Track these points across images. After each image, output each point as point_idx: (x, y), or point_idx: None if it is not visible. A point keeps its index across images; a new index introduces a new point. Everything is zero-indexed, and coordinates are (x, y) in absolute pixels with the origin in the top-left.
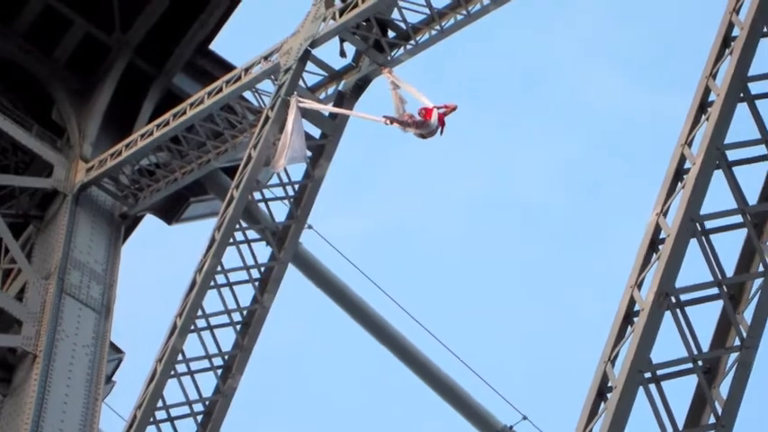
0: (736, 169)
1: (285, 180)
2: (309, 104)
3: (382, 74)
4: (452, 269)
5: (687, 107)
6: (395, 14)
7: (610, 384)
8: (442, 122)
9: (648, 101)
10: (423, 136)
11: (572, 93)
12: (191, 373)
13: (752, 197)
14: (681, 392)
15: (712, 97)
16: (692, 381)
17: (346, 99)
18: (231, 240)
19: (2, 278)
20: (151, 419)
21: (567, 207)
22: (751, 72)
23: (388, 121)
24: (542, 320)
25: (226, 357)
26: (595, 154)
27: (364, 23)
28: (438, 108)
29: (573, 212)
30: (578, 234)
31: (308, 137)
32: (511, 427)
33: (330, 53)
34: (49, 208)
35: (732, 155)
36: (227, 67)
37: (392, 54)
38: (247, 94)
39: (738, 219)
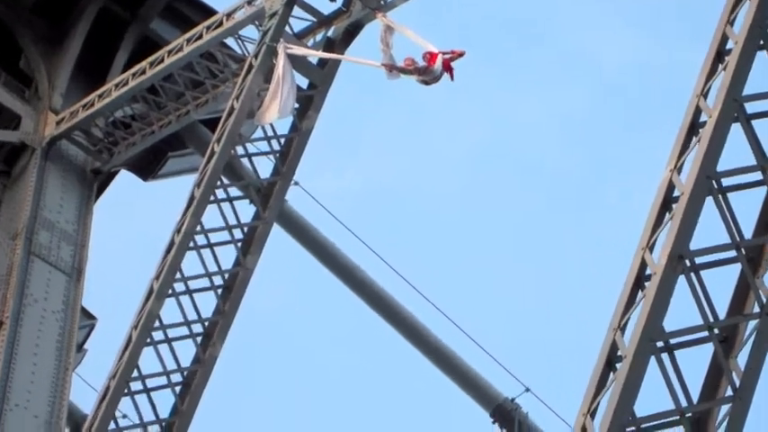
0: (755, 123)
1: (270, 133)
2: (299, 51)
3: (376, 18)
4: (447, 227)
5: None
6: None
7: (619, 353)
8: (448, 68)
9: (661, 54)
10: (426, 82)
11: (578, 44)
12: (168, 340)
13: None
14: (695, 362)
15: (730, 45)
16: (707, 350)
17: (336, 46)
18: (212, 198)
19: None
20: (126, 390)
21: (571, 162)
22: None
23: (386, 68)
24: (544, 283)
25: (206, 324)
26: (602, 107)
27: None
28: (444, 54)
29: (577, 168)
30: (583, 191)
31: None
32: (513, 400)
33: None
34: (17, 163)
35: (751, 107)
36: (207, 11)
37: None
38: (229, 41)
39: (758, 176)
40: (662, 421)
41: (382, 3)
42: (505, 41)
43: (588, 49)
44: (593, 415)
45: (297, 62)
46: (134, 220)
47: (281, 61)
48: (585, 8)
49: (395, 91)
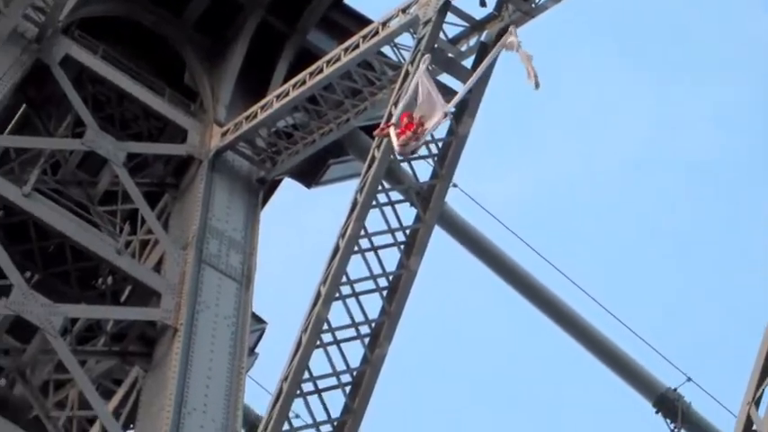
0: None
1: (428, 138)
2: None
3: (510, 32)
4: (612, 230)
5: None
6: None
7: None
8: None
9: None
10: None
11: (739, 37)
12: (337, 342)
13: None
14: None
15: None
16: None
17: (489, 50)
18: (374, 203)
19: (139, 249)
20: (298, 392)
21: (738, 162)
22: None
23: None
24: (707, 284)
25: (373, 325)
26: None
27: None
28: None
29: (746, 168)
30: (752, 195)
31: (451, 92)
32: (675, 389)
33: (469, 2)
34: (185, 175)
35: None
36: (362, 21)
37: (536, 1)
38: (385, 49)
39: None
40: None
41: (533, 6)
42: (659, 42)
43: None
44: (757, 403)
45: (452, 67)
46: (298, 226)
47: (422, 76)
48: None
49: (556, 95)
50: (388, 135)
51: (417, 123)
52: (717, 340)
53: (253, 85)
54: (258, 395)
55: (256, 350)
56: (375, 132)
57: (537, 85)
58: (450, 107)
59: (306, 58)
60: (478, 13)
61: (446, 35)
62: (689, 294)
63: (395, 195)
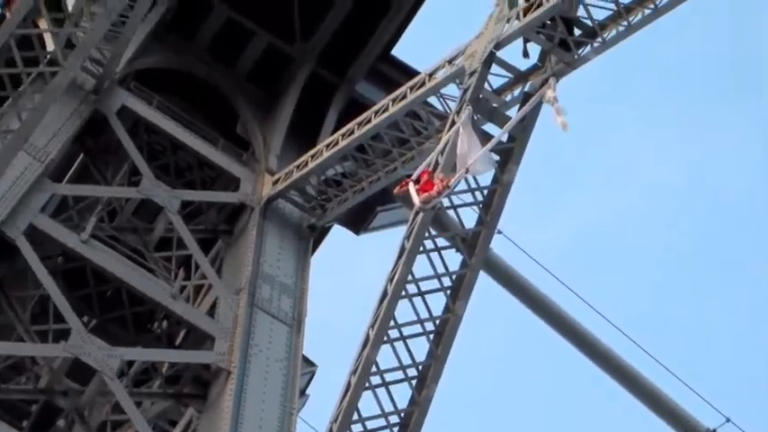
0: None
1: (473, 185)
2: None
3: (549, 84)
4: (651, 271)
5: None
6: (580, 12)
7: None
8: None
9: None
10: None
11: None
12: (385, 384)
13: None
14: None
15: None
16: None
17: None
18: (421, 249)
19: (193, 294)
20: None
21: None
22: None
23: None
24: (746, 321)
25: (420, 368)
26: None
27: (549, 22)
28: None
29: None
30: None
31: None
32: (714, 430)
33: (513, 54)
34: (237, 222)
35: None
36: (409, 72)
37: (578, 52)
38: (432, 99)
39: None
40: None
41: (575, 57)
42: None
43: None
44: None
45: (496, 117)
46: (347, 271)
47: (464, 126)
48: None
49: (593, 144)
50: (407, 192)
51: (439, 180)
52: (756, 380)
53: (303, 135)
54: None
55: (307, 392)
56: (395, 191)
57: (564, 127)
58: (484, 157)
59: (354, 108)
60: (523, 65)
61: (491, 86)
62: (727, 334)
63: (441, 242)
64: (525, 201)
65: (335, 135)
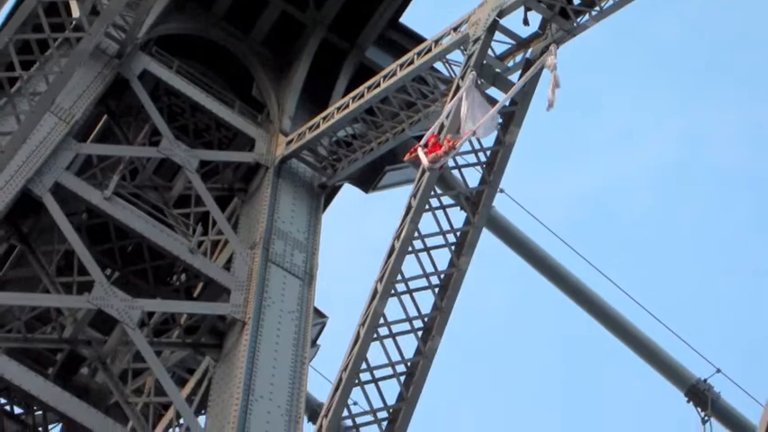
0: None
1: (477, 147)
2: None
3: (550, 51)
4: (649, 234)
5: None
6: None
7: None
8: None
9: None
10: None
11: None
12: (392, 335)
13: None
14: None
15: None
16: None
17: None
18: (427, 207)
19: (210, 249)
20: (356, 381)
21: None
22: None
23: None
24: (740, 285)
25: (425, 320)
26: None
27: None
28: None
29: None
30: None
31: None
32: (705, 380)
33: (514, 22)
34: (252, 181)
35: None
36: (417, 39)
37: (578, 20)
38: (438, 65)
39: None
40: None
41: (575, 25)
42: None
43: None
44: None
45: (499, 81)
46: (357, 228)
47: (468, 90)
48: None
49: (597, 108)
50: (417, 158)
51: (446, 142)
52: (746, 333)
53: (315, 98)
54: (319, 384)
55: (318, 342)
56: (405, 158)
57: (550, 106)
58: (491, 121)
59: (364, 72)
60: (525, 32)
61: (494, 52)
62: (719, 291)
63: (446, 200)
64: (531, 160)
65: (346, 98)
